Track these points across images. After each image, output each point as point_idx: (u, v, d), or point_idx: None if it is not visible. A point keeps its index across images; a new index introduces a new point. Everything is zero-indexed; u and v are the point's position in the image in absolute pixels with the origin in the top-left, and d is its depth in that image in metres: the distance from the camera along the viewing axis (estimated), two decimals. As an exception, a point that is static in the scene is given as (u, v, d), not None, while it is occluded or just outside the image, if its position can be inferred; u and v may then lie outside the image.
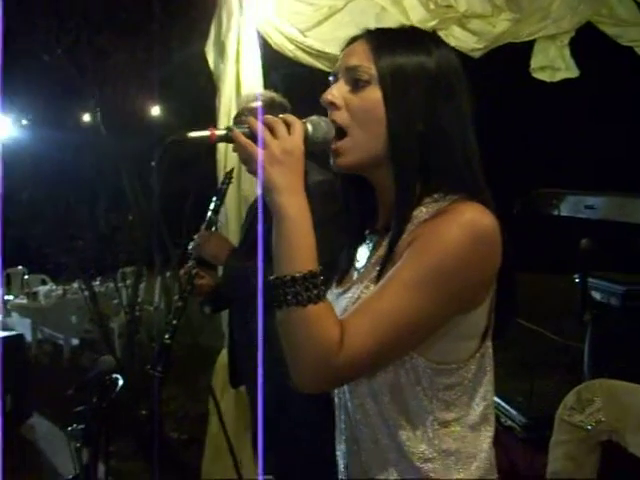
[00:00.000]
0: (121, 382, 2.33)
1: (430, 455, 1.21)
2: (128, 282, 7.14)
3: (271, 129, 1.17)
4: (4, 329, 7.68)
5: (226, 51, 3.13)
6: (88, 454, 1.98)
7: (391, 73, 1.20)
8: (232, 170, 2.55)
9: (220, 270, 2.65)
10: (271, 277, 1.14)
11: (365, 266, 1.31)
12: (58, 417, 5.53)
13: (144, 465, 4.55)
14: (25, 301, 9.24)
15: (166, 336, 2.32)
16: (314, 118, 1.23)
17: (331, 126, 1.23)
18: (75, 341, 8.21)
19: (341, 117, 1.24)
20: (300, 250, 1.12)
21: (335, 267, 1.39)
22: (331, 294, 1.34)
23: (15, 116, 8.69)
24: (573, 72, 3.36)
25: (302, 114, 1.25)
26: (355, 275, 1.33)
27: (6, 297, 9.98)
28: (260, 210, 1.19)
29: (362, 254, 1.35)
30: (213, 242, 2.45)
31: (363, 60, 1.22)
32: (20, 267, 11.76)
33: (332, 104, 1.24)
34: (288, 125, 1.18)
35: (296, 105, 2.50)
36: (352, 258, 1.37)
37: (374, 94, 1.21)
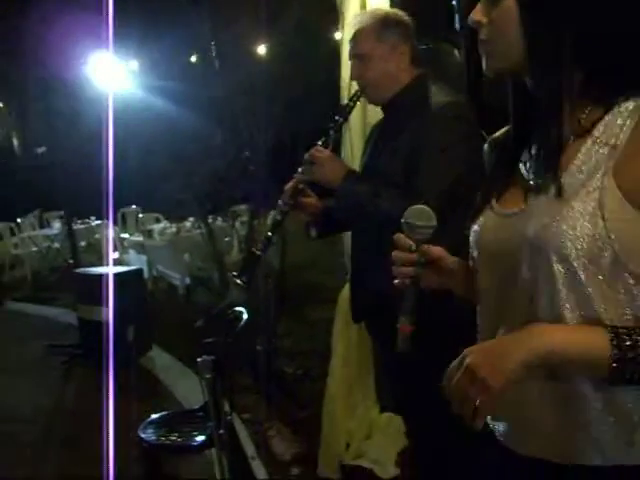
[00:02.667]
0: (245, 316, 2.30)
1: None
2: (243, 219, 7.19)
3: None
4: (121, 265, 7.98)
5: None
6: (217, 385, 1.98)
7: None
8: (361, 90, 2.36)
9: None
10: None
11: (549, 179, 1.15)
12: (177, 350, 5.68)
13: (258, 398, 4.61)
14: (141, 239, 9.52)
15: (258, 247, 2.24)
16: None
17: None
18: (188, 279, 8.39)
19: (485, 32, 1.22)
20: (592, 350, 1.08)
21: (485, 185, 1.31)
22: (492, 214, 1.24)
23: (133, 56, 8.81)
24: None
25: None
26: (528, 191, 1.19)
27: (122, 235, 10.34)
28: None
29: (531, 166, 1.22)
30: (328, 164, 2.27)
31: None
32: (134, 206, 12.15)
33: (476, 22, 1.24)
34: None
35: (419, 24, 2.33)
36: (512, 172, 1.25)
37: (508, 4, 1.17)
